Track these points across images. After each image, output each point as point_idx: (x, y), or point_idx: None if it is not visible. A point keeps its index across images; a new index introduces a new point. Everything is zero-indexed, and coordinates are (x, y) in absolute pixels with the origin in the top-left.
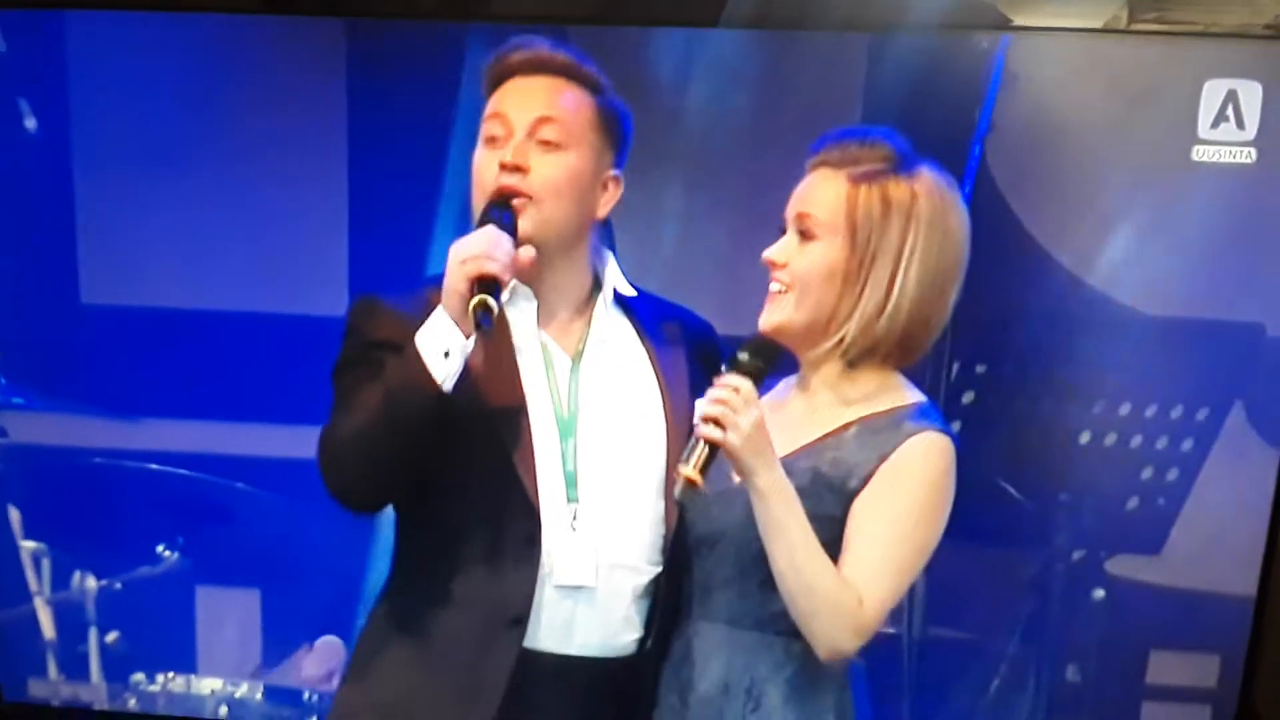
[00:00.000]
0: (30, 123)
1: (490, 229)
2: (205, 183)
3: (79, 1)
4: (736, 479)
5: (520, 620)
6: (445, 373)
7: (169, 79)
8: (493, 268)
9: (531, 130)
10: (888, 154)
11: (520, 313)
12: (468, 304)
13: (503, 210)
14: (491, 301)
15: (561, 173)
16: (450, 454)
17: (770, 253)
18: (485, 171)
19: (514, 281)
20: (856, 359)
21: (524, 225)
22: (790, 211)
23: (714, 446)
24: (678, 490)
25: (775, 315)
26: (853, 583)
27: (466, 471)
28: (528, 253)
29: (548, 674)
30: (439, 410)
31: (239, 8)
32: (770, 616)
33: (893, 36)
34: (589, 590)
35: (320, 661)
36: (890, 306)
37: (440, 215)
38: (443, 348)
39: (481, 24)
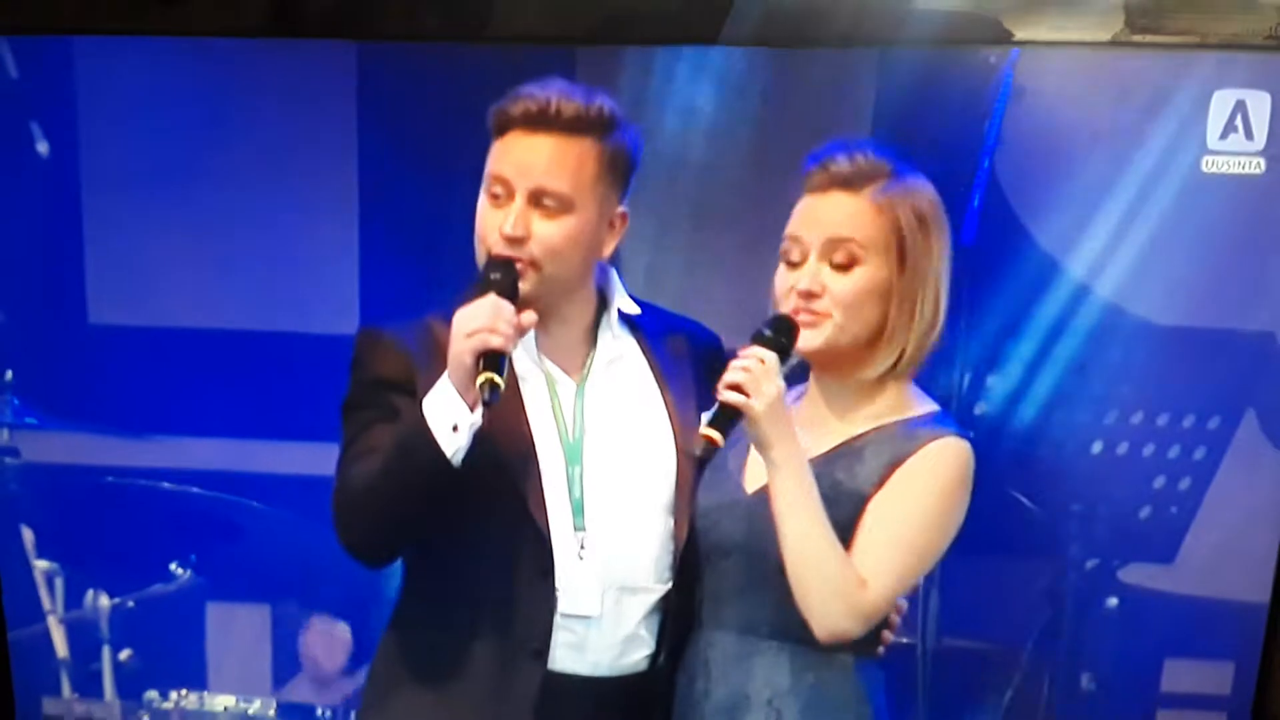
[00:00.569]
0: (40, 146)
1: (492, 298)
2: (213, 203)
3: (89, 27)
4: (749, 489)
5: (541, 652)
6: (454, 446)
7: (178, 102)
8: (497, 342)
9: (531, 198)
10: (889, 166)
11: (520, 342)
12: (473, 377)
13: (505, 273)
14: (498, 379)
15: (563, 238)
16: (459, 489)
17: (805, 285)
18: (487, 228)
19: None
20: (904, 372)
21: (526, 288)
22: (813, 238)
23: (735, 412)
24: (698, 448)
25: (816, 339)
26: (858, 567)
27: (476, 505)
28: (530, 318)
29: (561, 694)
30: (448, 476)
31: (247, 31)
32: (789, 626)
33: (902, 52)
34: (597, 618)
35: (328, 647)
36: (941, 318)
37: (451, 234)
38: (450, 421)
39: (494, 47)
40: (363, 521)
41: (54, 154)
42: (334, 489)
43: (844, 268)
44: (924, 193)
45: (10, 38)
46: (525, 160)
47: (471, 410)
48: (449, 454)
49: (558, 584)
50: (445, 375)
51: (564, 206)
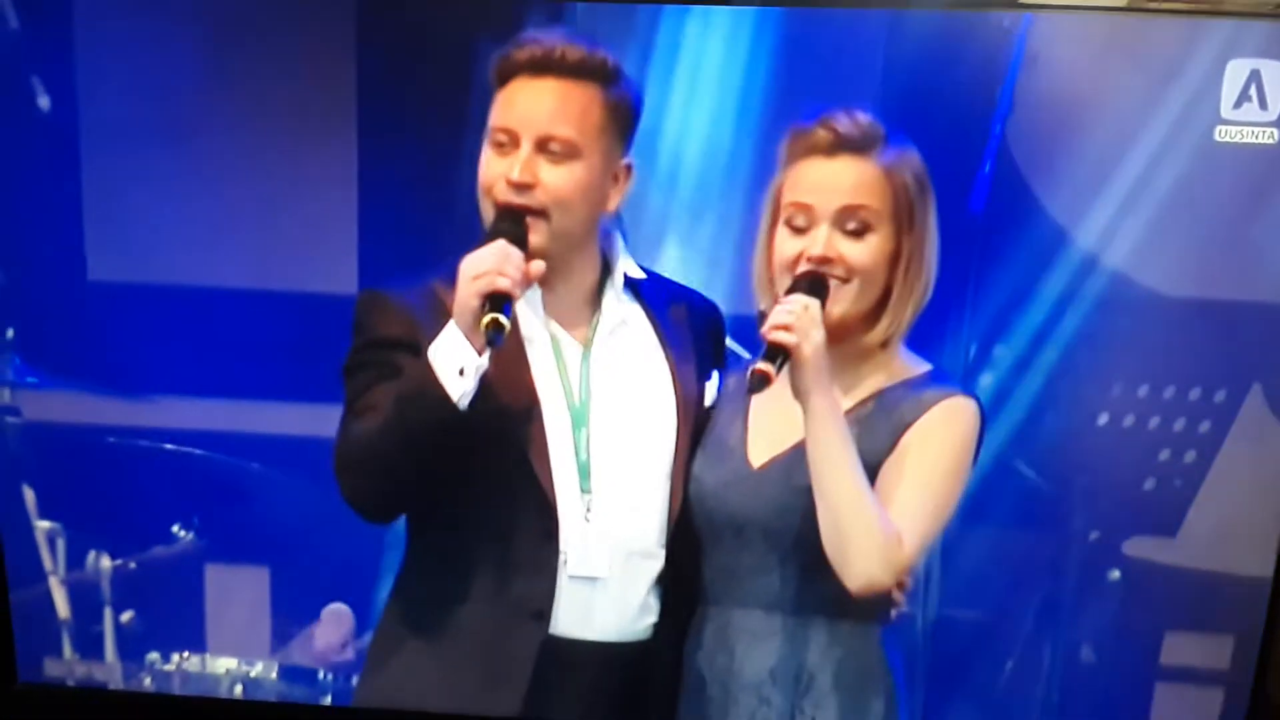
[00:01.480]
0: (38, 100)
1: (501, 244)
2: (214, 158)
3: None
4: (756, 464)
5: (542, 614)
6: (460, 390)
7: (178, 55)
8: (504, 284)
9: (538, 145)
10: (882, 129)
11: (527, 303)
12: (479, 320)
13: (513, 224)
14: (503, 319)
15: (571, 185)
16: (464, 450)
17: (819, 251)
18: (492, 177)
19: None
20: (899, 335)
21: (535, 239)
22: (826, 205)
23: (783, 352)
24: (750, 383)
25: (836, 308)
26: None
27: (481, 467)
28: (538, 267)
29: (566, 659)
30: (455, 424)
31: None
32: (815, 601)
33: (912, 14)
34: (604, 580)
35: (332, 630)
36: (933, 284)
37: (454, 193)
38: (457, 365)
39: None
40: (367, 474)
41: (53, 107)
42: (336, 445)
43: (857, 234)
44: (915, 154)
45: None
46: (530, 106)
47: (479, 354)
48: (455, 398)
49: (564, 546)
50: (451, 321)
51: (570, 152)
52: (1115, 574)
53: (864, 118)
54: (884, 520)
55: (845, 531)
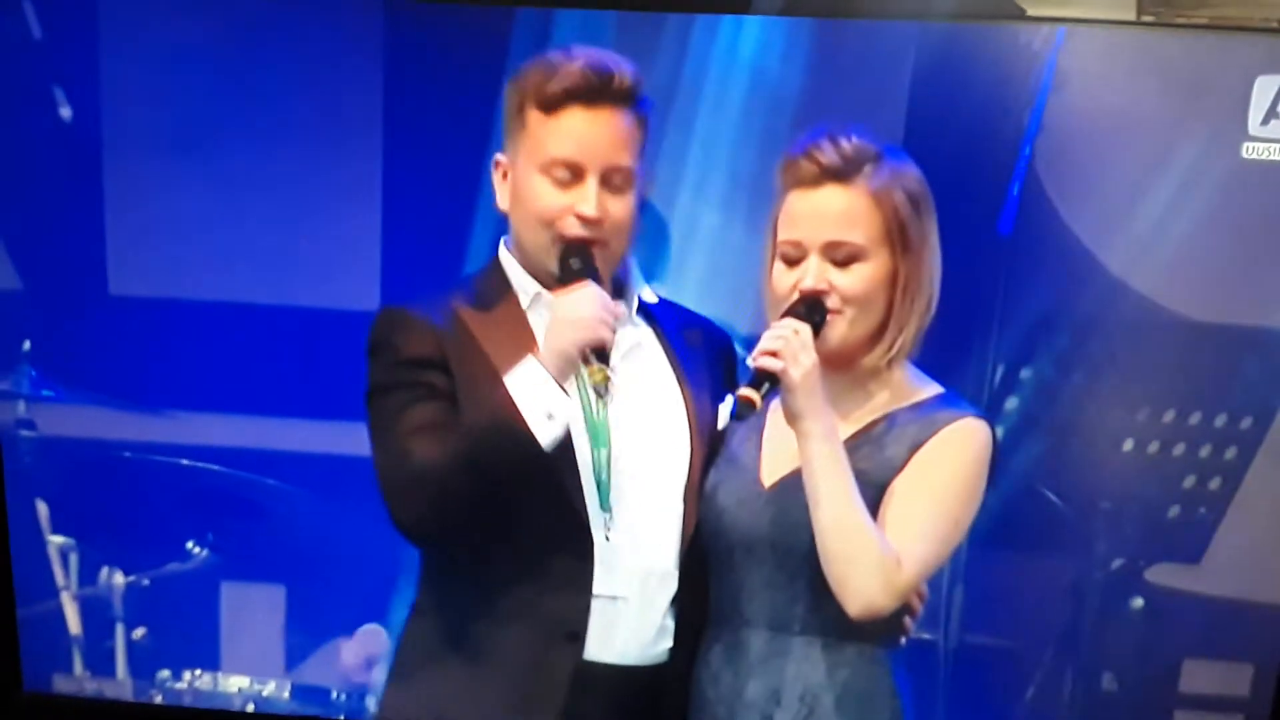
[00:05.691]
0: (60, 111)
1: (595, 290)
2: (236, 174)
3: None
4: (767, 483)
5: (577, 635)
6: (550, 435)
7: (200, 68)
8: (606, 335)
9: (605, 179)
10: (875, 149)
11: (546, 322)
12: (574, 367)
13: (584, 261)
14: (611, 373)
15: (628, 214)
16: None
17: (810, 284)
18: (555, 211)
19: (539, 290)
20: (902, 355)
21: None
22: (812, 238)
23: (772, 378)
24: (734, 409)
25: (832, 338)
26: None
27: (514, 485)
28: (621, 309)
29: (589, 682)
30: (535, 463)
31: None
32: (821, 620)
33: (941, 35)
34: (626, 599)
35: (360, 649)
36: (936, 300)
37: (478, 208)
38: (545, 410)
39: (525, 10)
40: (428, 501)
41: (75, 119)
42: (386, 467)
43: (847, 264)
44: (911, 172)
45: None
46: (595, 137)
47: (566, 396)
48: (544, 443)
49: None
50: (534, 361)
51: (628, 181)
52: (1138, 601)
53: (849, 143)
54: (882, 543)
55: (841, 555)
